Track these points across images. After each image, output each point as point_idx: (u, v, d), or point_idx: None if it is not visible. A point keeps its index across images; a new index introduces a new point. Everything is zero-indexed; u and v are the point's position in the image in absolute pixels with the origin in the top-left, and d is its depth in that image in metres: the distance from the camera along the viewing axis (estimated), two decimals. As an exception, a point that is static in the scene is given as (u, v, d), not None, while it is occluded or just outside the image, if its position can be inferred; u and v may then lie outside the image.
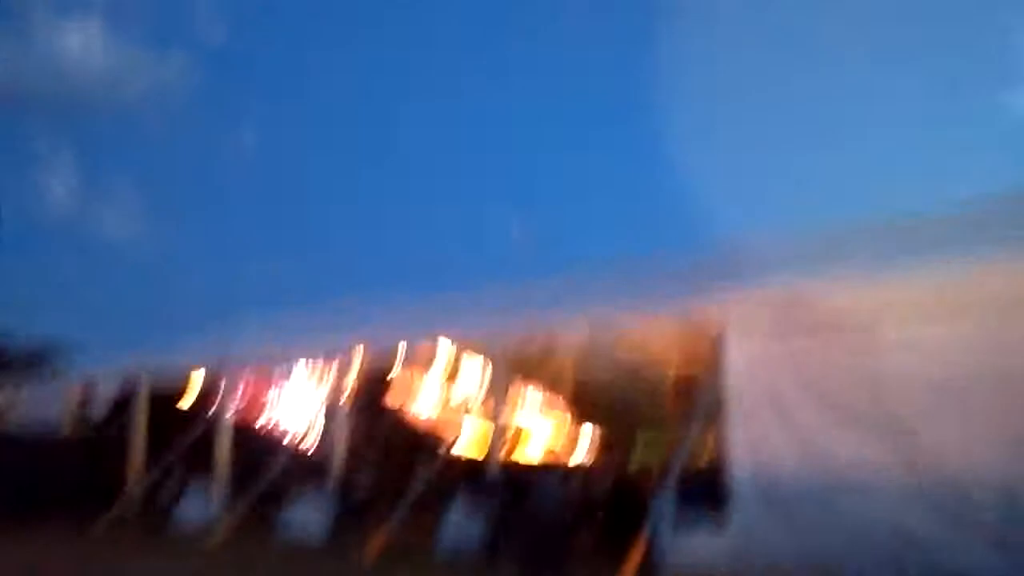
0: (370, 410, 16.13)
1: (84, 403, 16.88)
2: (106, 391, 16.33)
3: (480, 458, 12.52)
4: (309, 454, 14.46)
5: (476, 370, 16.24)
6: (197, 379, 15.33)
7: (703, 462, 11.83)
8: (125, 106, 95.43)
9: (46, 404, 17.41)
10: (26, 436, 15.80)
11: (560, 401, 17.25)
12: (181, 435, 14.06)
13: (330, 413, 13.58)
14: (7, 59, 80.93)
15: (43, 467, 14.41)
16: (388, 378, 16.62)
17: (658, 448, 15.73)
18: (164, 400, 15.87)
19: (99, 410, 16.33)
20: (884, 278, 8.45)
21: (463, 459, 13.78)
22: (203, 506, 13.38)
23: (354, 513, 12.21)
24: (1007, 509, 7.03)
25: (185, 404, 15.81)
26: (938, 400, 7.53)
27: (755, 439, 8.47)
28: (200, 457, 14.28)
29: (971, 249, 9.19)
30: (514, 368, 12.63)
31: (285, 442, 14.39)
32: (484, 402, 11.94)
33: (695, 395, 13.42)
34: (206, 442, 14.23)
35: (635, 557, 7.60)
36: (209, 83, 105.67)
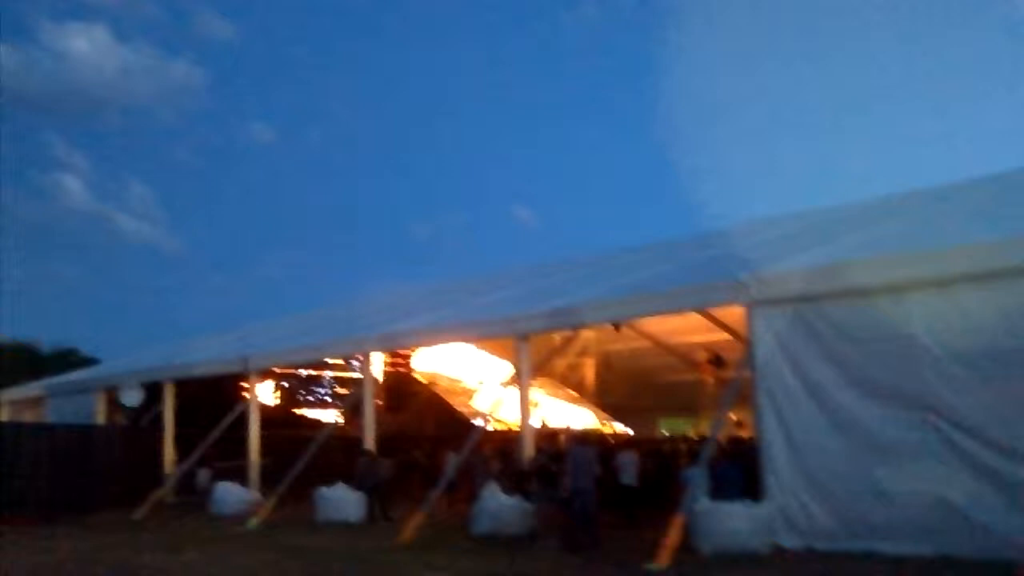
0: (400, 397, 16.38)
1: (117, 396, 17.19)
2: (138, 385, 16.62)
3: (512, 440, 12.70)
4: (342, 440, 14.67)
5: (504, 355, 16.45)
6: (226, 372, 15.58)
7: (736, 438, 12.02)
8: (139, 107, 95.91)
9: (81, 398, 17.78)
10: (63, 428, 16.07)
11: (589, 382, 17.48)
12: (213, 425, 14.33)
13: (359, 401, 13.76)
14: (20, 63, 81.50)
15: (82, 456, 14.70)
16: (416, 366, 16.90)
17: (689, 425, 15.96)
18: (195, 392, 16.17)
19: (131, 402, 16.62)
20: (912, 251, 8.59)
21: (495, 442, 13.99)
22: (238, 491, 13.64)
23: (390, 495, 12.43)
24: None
25: (216, 396, 16.09)
26: (970, 370, 7.65)
27: (786, 412, 8.58)
28: (232, 444, 14.56)
29: (999, 222, 9.32)
30: (542, 351, 12.80)
31: (316, 429, 14.59)
32: (514, 385, 12.09)
33: (726, 372, 13.64)
34: (239, 431, 14.50)
35: (674, 532, 7.71)
36: (222, 80, 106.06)
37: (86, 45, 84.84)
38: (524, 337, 11.47)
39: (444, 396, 17.94)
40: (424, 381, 17.85)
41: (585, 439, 10.40)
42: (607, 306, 11.10)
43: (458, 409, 17.85)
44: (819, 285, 8.61)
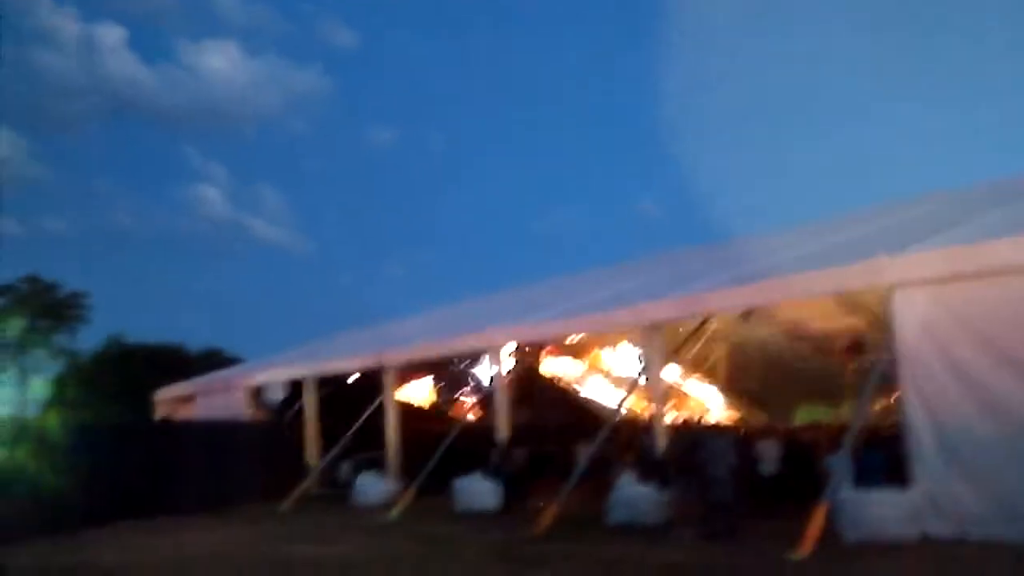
0: (529, 390, 16.56)
1: (259, 393, 18.08)
2: (281, 382, 17.44)
3: (645, 428, 12.68)
4: (475, 433, 14.95)
5: (634, 345, 16.39)
6: (363, 368, 16.16)
7: (880, 423, 11.63)
8: (269, 117, 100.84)
9: (227, 395, 18.77)
10: (210, 425, 16.97)
11: (722, 370, 17.23)
12: (352, 419, 14.90)
13: (492, 394, 14.04)
14: (159, 81, 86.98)
15: (230, 451, 15.45)
16: (545, 358, 17.03)
17: (828, 413, 15.51)
18: (335, 387, 16.84)
19: (275, 398, 17.46)
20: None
21: (629, 432, 14.00)
22: (379, 483, 14.14)
23: (524, 485, 12.62)
24: None
25: (354, 391, 16.69)
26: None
27: (932, 397, 8.29)
28: (372, 438, 15.09)
29: None
30: (673, 340, 12.74)
31: (453, 423, 14.95)
32: (645, 375, 12.08)
33: (866, 357, 13.21)
34: (376, 424, 15.03)
35: (816, 521, 7.57)
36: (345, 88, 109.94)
37: (220, 61, 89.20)
38: (653, 327, 11.42)
39: (571, 391, 18.04)
40: (551, 376, 17.99)
41: (721, 428, 10.31)
42: (738, 294, 10.94)
43: (587, 400, 17.92)
44: (963, 264, 8.28)
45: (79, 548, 10.32)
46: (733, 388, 17.75)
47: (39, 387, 35.13)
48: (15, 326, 35.59)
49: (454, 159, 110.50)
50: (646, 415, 13.69)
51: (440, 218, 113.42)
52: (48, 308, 36.46)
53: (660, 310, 11.47)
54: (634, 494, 10.30)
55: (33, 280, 36.90)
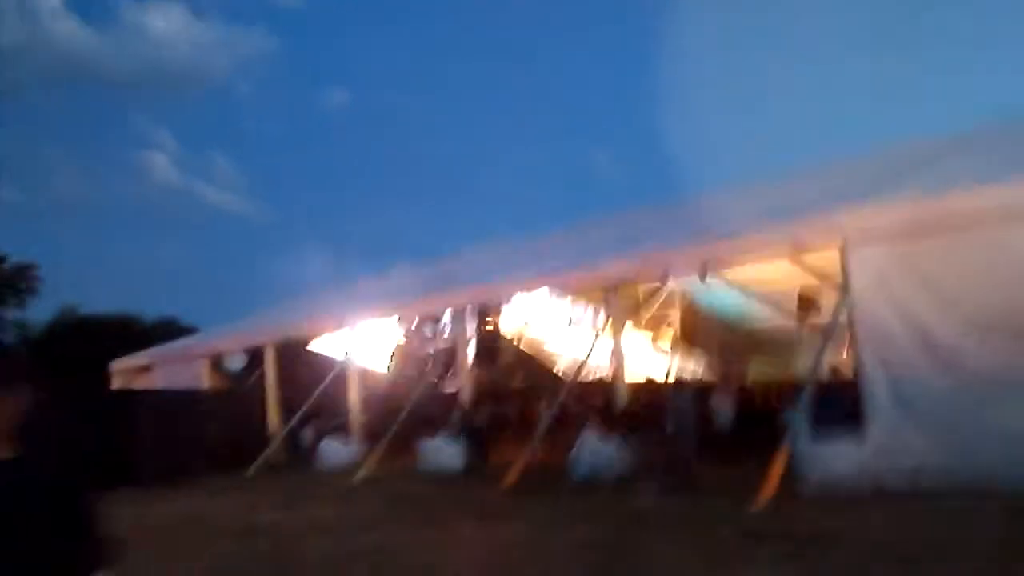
0: (492, 349, 16.66)
1: (218, 362, 17.94)
2: (240, 350, 17.33)
3: (606, 386, 12.84)
4: (437, 394, 15.04)
5: (592, 303, 16.53)
6: (323, 334, 16.10)
7: (834, 375, 11.91)
8: (217, 81, 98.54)
9: (185, 365, 18.58)
10: (170, 394, 16.79)
11: (680, 326, 17.47)
12: (313, 385, 14.88)
13: (454, 354, 14.12)
14: (105, 45, 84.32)
15: (189, 421, 15.29)
16: (505, 317, 17.11)
17: (783, 365, 15.81)
18: (296, 354, 16.76)
19: (235, 366, 17.35)
20: (1013, 179, 8.31)
21: (589, 388, 14.18)
22: (342, 447, 14.18)
23: (488, 444, 12.75)
24: None
25: (313, 358, 16.65)
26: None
27: (886, 350, 8.50)
28: (333, 404, 15.09)
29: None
30: (631, 298, 12.90)
31: (414, 385, 15.00)
32: (605, 332, 12.22)
33: (820, 311, 13.46)
34: (337, 390, 15.03)
35: (774, 474, 7.75)
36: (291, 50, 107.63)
37: (165, 23, 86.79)
38: (612, 287, 11.54)
39: (531, 351, 18.16)
40: (512, 337, 18.07)
41: (681, 385, 10.50)
42: (695, 252, 11.05)
43: (546, 362, 18.06)
44: (918, 217, 8.43)
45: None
46: (690, 345, 18.03)
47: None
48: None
49: (405, 119, 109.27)
50: (607, 373, 13.89)
51: (394, 178, 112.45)
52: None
53: (619, 269, 11.59)
54: (597, 449, 10.47)
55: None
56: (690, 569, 5.93)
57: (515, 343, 18.12)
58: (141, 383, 20.28)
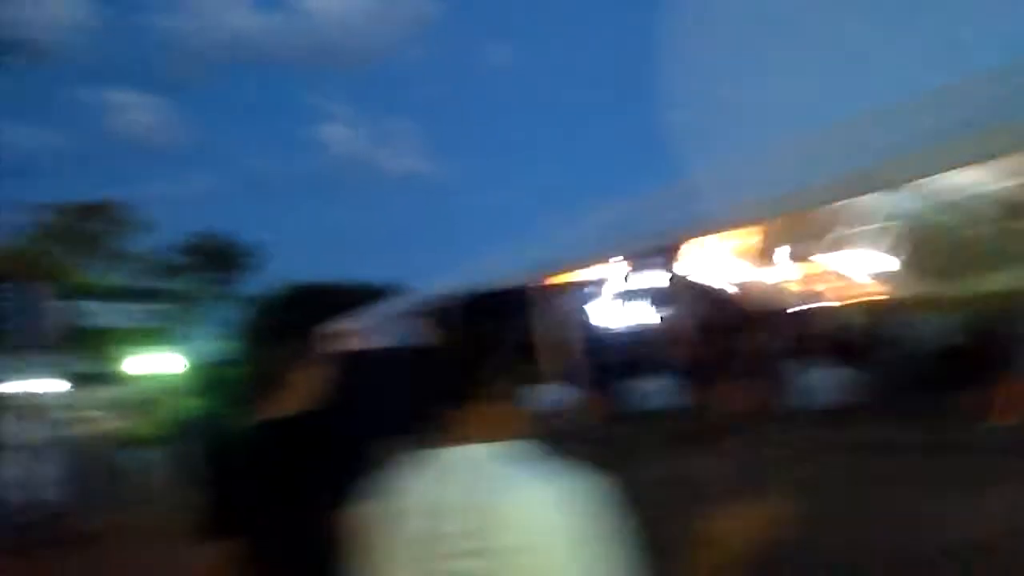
0: (692, 291, 16.56)
1: (437, 317, 18.85)
2: (441, 306, 18.10)
3: (825, 313, 12.53)
4: (643, 338, 15.17)
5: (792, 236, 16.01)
6: (531, 282, 16.54)
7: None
8: (385, 49, 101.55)
9: (405, 323, 19.58)
10: (383, 352, 17.87)
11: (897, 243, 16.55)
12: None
13: (657, 297, 14.18)
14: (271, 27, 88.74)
15: (402, 378, 16.25)
16: (702, 260, 16.91)
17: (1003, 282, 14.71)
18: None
19: (441, 324, 18.16)
20: None
21: (806, 317, 13.84)
22: (554, 392, 14.64)
23: (700, 383, 12.83)
24: None
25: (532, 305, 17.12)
26: None
27: None
28: (552, 349, 15.52)
29: None
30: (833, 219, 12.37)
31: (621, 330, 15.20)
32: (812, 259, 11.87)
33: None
34: (553, 335, 15.44)
35: (1004, 395, 7.43)
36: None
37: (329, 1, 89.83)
38: (816, 210, 11.17)
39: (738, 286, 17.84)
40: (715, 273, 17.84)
41: (900, 307, 10.15)
42: (906, 164, 10.48)
43: (755, 296, 17.67)
44: None
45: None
46: (906, 262, 17.03)
47: (225, 336, 37.85)
48: (196, 281, 38.37)
49: (571, 71, 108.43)
50: (818, 300, 13.52)
51: (572, 127, 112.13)
52: (223, 260, 39.05)
53: (822, 193, 11.18)
54: (820, 378, 10.36)
55: (206, 236, 39.47)
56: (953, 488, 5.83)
57: (719, 280, 17.89)
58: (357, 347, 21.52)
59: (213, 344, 36.34)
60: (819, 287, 11.69)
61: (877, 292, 16.86)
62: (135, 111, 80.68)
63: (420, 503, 1.55)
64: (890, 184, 9.99)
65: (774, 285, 16.05)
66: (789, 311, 12.87)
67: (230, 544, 2.07)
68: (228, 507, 2.10)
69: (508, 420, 1.62)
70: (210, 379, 15.62)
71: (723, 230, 12.46)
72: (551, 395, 13.69)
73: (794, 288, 11.88)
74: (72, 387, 16.81)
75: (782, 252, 15.97)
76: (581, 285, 16.53)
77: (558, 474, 1.46)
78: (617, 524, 1.41)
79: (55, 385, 16.69)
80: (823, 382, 10.36)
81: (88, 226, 36.89)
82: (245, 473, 2.10)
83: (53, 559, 9.27)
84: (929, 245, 15.65)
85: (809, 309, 15.05)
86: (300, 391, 2.18)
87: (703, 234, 12.85)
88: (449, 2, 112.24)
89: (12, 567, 9.22)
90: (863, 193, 10.42)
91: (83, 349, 27.47)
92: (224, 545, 2.08)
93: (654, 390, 12.95)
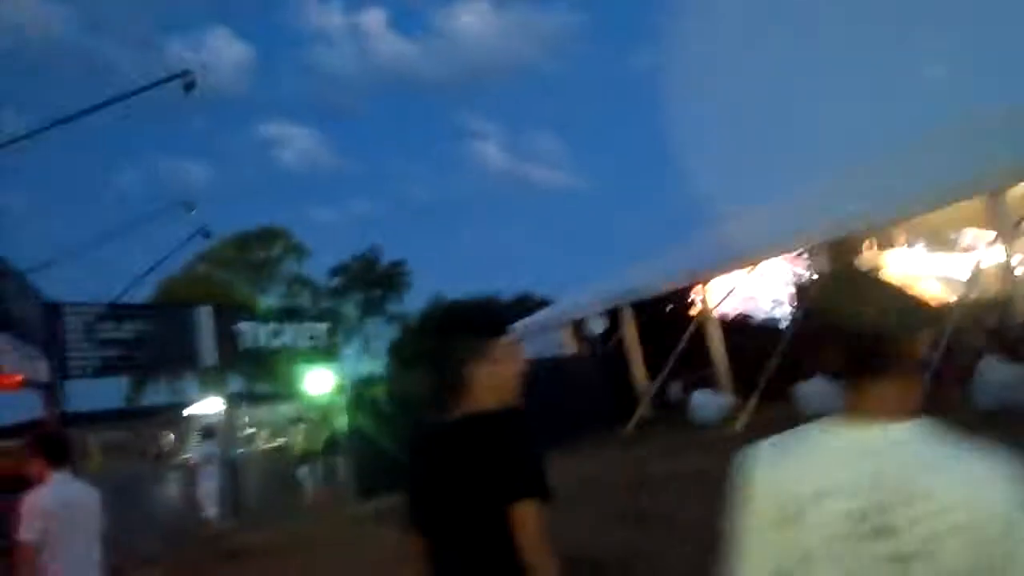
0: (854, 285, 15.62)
1: (579, 328, 18.68)
2: (599, 314, 17.90)
3: (1000, 305, 11.53)
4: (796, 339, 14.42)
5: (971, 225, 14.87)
6: (677, 288, 16.13)
7: None
8: (526, 64, 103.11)
9: (547, 335, 19.56)
10: (541, 362, 17.76)
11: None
12: (674, 340, 14.96)
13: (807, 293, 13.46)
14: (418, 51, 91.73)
15: (559, 386, 16.04)
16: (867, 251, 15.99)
17: None
18: (652, 312, 16.98)
19: (595, 330, 17.96)
20: None
21: (980, 311, 12.80)
22: (713, 398, 14.15)
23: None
24: None
25: (675, 312, 16.74)
26: None
27: None
28: (696, 356, 15.07)
29: None
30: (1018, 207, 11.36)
31: (775, 330, 14.59)
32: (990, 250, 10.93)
33: None
34: (699, 343, 14.98)
35: None
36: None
37: (472, 21, 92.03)
38: (996, 192, 10.27)
39: (903, 281, 16.71)
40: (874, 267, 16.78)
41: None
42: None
43: (922, 291, 16.55)
44: None
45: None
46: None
47: (378, 353, 38.95)
48: (353, 300, 39.80)
49: (711, 67, 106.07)
50: (991, 293, 12.42)
51: (714, 128, 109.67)
52: (379, 280, 40.36)
53: (1003, 176, 10.24)
54: (1002, 374, 9.44)
55: (362, 258, 40.95)
56: None
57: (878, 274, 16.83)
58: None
59: (368, 363, 37.59)
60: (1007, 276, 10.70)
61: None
62: (295, 143, 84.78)
63: (839, 484, 1.48)
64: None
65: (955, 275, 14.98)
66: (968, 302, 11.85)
67: (425, 533, 2.31)
68: (425, 501, 2.32)
69: (908, 396, 1.53)
70: (362, 397, 15.98)
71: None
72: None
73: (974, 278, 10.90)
74: (237, 407, 17.57)
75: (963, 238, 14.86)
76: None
77: (981, 454, 1.41)
78: None
79: (223, 405, 17.51)
80: (1006, 377, 9.40)
81: (253, 252, 38.91)
82: (437, 469, 2.28)
83: (236, 569, 9.58)
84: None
85: (991, 299, 13.93)
86: (485, 393, 2.30)
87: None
88: (589, 12, 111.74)
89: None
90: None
91: (246, 370, 28.83)
92: (420, 534, 2.32)
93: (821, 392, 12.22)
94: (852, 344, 1.53)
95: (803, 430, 1.58)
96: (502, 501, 2.09)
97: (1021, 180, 10.29)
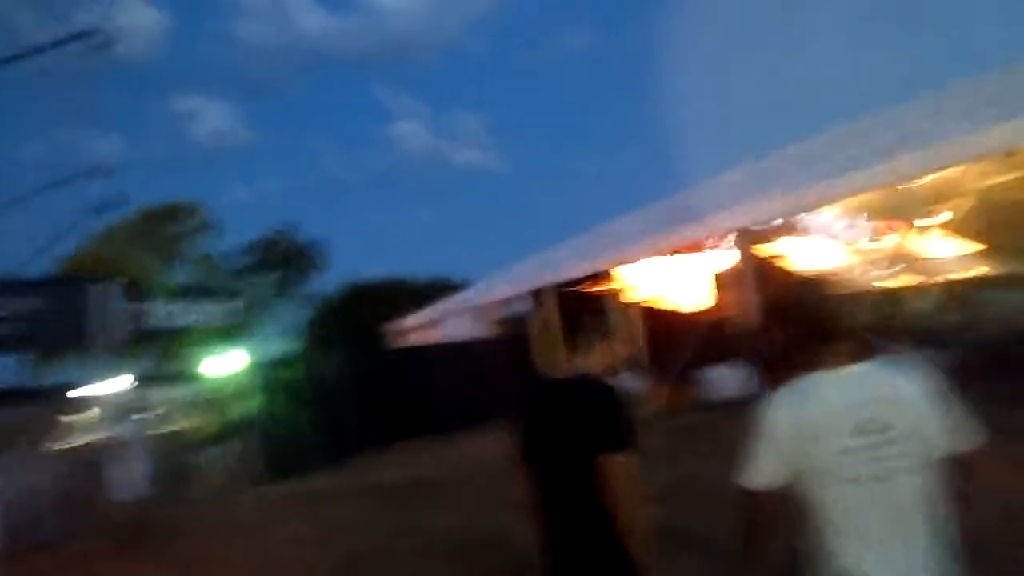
0: (769, 275, 16.01)
1: (497, 312, 18.60)
2: (518, 296, 17.85)
3: (901, 295, 11.95)
4: (716, 326, 14.72)
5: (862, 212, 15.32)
6: (596, 273, 16.23)
7: None
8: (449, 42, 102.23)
9: (466, 318, 19.43)
10: (458, 346, 17.67)
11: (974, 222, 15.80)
12: (594, 325, 14.98)
13: (729, 284, 13.73)
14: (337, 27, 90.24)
15: (475, 369, 15.99)
16: (774, 241, 16.35)
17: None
18: (571, 297, 17.00)
19: (517, 313, 17.93)
20: None
21: (882, 300, 13.25)
22: (632, 382, 14.29)
23: (776, 371, 12.28)
24: None
25: (590, 298, 16.81)
26: None
27: None
28: (618, 340, 15.15)
29: None
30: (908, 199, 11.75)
31: (691, 318, 14.80)
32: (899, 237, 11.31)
33: None
34: (618, 328, 15.09)
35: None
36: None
37: None
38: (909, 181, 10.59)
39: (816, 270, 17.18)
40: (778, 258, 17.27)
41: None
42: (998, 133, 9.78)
43: (834, 280, 17.00)
44: None
45: (377, 467, 11.17)
46: (987, 241, 16.23)
47: (292, 333, 38.27)
48: (266, 278, 38.94)
49: (631, 56, 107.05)
50: (899, 282, 12.89)
51: (638, 117, 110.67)
52: (290, 260, 39.53)
53: (913, 166, 10.56)
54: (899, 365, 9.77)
55: (273, 236, 40.05)
56: None
57: (785, 265, 17.30)
58: (420, 341, 21.33)
59: (278, 343, 36.89)
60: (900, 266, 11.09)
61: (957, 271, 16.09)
62: (210, 117, 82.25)
63: (848, 402, 2.26)
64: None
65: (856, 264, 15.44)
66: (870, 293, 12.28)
67: (534, 469, 2.82)
68: (534, 443, 2.85)
69: (860, 349, 2.38)
70: (271, 378, 15.67)
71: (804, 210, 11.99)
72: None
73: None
74: (142, 387, 17.01)
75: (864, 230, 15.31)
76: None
77: (912, 368, 2.31)
78: (944, 389, 2.26)
79: (127, 385, 16.91)
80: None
81: (164, 228, 37.67)
82: (543, 418, 2.83)
83: (143, 552, 9.31)
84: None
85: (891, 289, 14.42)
86: (593, 359, 3.03)
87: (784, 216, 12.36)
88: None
89: (108, 561, 9.31)
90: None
91: (153, 349, 27.94)
92: (531, 469, 2.84)
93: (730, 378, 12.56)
94: (817, 322, 2.45)
95: (804, 379, 2.34)
96: (603, 449, 2.59)
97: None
